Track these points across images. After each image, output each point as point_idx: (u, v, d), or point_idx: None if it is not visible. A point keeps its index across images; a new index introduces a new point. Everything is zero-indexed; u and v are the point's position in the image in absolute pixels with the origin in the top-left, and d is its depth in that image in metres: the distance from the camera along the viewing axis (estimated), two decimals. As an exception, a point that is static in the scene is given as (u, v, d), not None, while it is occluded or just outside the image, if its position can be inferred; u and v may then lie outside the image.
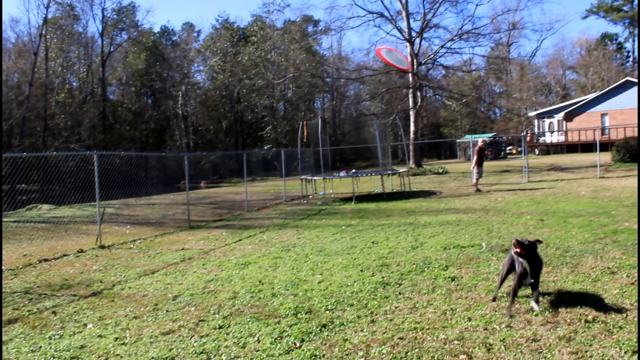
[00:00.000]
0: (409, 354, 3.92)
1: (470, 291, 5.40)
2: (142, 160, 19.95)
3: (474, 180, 17.11)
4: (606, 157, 23.99)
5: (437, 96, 50.33)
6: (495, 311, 4.74)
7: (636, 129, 27.34)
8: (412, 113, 33.57)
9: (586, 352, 3.79)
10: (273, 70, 51.55)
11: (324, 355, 3.99)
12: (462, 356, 3.82)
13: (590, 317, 4.41)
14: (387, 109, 50.33)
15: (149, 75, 56.39)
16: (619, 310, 4.56)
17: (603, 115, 41.12)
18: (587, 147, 36.65)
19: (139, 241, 10.56)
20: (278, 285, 6.09)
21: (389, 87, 44.23)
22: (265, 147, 50.53)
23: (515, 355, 3.80)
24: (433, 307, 4.96)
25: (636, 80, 39.92)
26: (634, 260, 6.13)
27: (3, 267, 8.04)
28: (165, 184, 25.94)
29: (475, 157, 17.02)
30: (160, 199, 19.68)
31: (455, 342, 4.09)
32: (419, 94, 33.15)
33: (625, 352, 3.73)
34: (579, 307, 4.69)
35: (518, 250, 4.73)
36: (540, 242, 4.96)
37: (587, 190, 14.90)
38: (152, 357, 4.18)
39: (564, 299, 4.94)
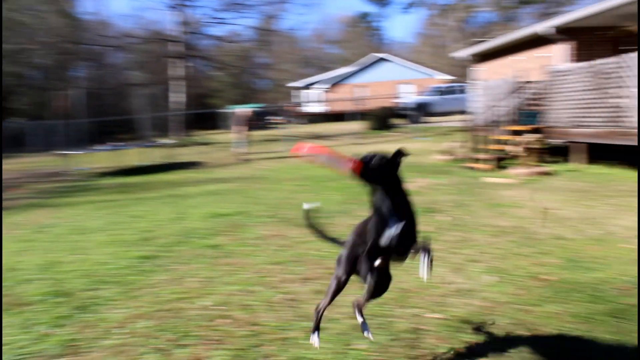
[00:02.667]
0: (170, 323, 3.90)
1: (233, 257, 5.55)
2: None
3: (239, 150, 17.49)
4: (361, 125, 26.29)
5: (204, 66, 49.94)
6: (256, 273, 4.94)
7: (388, 99, 30.39)
8: (177, 83, 32.89)
9: (335, 302, 4.16)
10: (23, 34, 46.06)
11: (80, 338, 3.77)
12: (222, 319, 3.92)
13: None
14: (152, 78, 48.50)
15: None
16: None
17: (359, 87, 44.87)
18: (345, 117, 39.77)
19: None
20: (29, 270, 5.56)
21: (154, 56, 42.63)
22: (16, 120, 45.26)
23: (272, 312, 4.01)
24: (196, 276, 4.99)
25: (385, 56, 44.53)
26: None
27: None
28: None
29: (240, 127, 17.37)
30: None
31: (216, 307, 4.18)
32: (185, 63, 32.57)
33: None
34: (328, 261, 5.12)
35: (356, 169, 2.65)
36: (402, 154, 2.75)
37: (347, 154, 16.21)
38: None
39: (316, 257, 5.34)
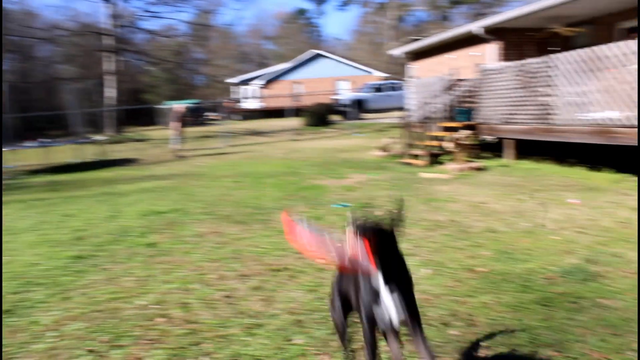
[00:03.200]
0: (104, 324, 3.81)
1: (169, 255, 5.46)
2: None
3: (175, 147, 17.18)
4: (298, 122, 26.32)
5: (138, 61, 48.68)
6: (194, 271, 4.89)
7: (325, 96, 30.55)
8: (110, 78, 31.94)
9: (273, 296, 4.17)
10: None
11: (9, 343, 3.62)
12: (160, 319, 3.86)
13: (276, 267, 4.87)
14: (83, 73, 46.86)
15: None
16: (300, 255, 5.12)
17: (296, 83, 44.87)
18: (282, 113, 39.75)
19: None
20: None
21: (86, 49, 41.18)
22: None
23: (211, 309, 3.98)
24: (131, 275, 4.88)
25: (322, 53, 44.75)
26: (317, 212, 6.93)
27: None
28: None
29: (176, 124, 17.06)
30: None
31: (153, 306, 4.11)
32: (118, 58, 31.65)
33: (306, 291, 4.22)
34: (266, 257, 5.13)
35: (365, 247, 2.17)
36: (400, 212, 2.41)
37: (281, 153, 16.23)
38: None
39: (255, 254, 5.34)
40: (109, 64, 32.16)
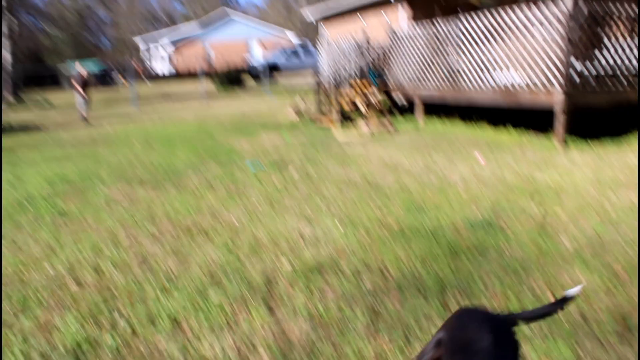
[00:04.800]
0: (12, 292, 3.67)
1: (79, 220, 5.30)
2: None
3: (82, 111, 16.43)
4: (211, 85, 25.81)
5: (36, 22, 45.74)
6: (105, 235, 4.78)
7: (238, 59, 30.08)
8: (5, 40, 29.82)
9: (188, 256, 4.17)
10: None
11: None
12: (71, 283, 3.77)
13: (190, 228, 4.86)
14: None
15: None
16: (215, 215, 5.13)
17: (208, 46, 43.80)
18: (193, 76, 38.78)
19: None
20: None
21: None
22: None
23: (124, 272, 3.93)
24: (39, 243, 4.71)
25: (235, 15, 43.79)
26: (231, 173, 6.92)
27: None
28: None
29: (80, 87, 16.28)
30: None
31: (65, 271, 4.00)
32: (13, 18, 29.55)
33: (221, 250, 4.26)
34: (181, 219, 5.10)
35: None
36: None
37: (193, 116, 15.90)
38: None
39: (168, 215, 5.28)
40: (3, 25, 29.98)
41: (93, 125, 15.21)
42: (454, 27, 10.59)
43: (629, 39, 8.59)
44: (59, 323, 3.20)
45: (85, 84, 16.34)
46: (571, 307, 3.21)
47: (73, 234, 4.90)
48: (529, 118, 9.56)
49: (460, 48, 10.42)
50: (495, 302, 3.32)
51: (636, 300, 3.29)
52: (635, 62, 8.54)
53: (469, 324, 1.87)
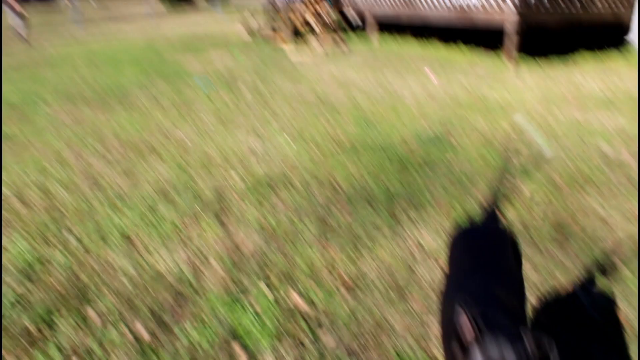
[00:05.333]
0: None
1: (25, 145, 5.10)
2: None
3: (20, 32, 15.54)
4: (159, 5, 24.74)
5: None
6: (51, 155, 4.66)
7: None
8: None
9: (137, 173, 4.12)
10: None
11: None
12: (19, 206, 3.69)
13: (138, 145, 4.77)
14: None
15: None
16: (165, 134, 5.05)
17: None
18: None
19: None
20: None
21: None
22: None
23: (71, 190, 3.87)
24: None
25: None
26: (180, 91, 6.76)
27: None
28: None
29: (15, 3, 15.32)
30: None
31: (8, 192, 3.90)
32: None
33: (170, 167, 4.21)
34: (128, 136, 5.00)
35: None
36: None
37: (141, 36, 15.28)
38: None
39: (115, 133, 5.16)
40: None
41: (33, 47, 14.46)
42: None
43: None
44: (7, 244, 3.15)
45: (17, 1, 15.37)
46: (513, 216, 3.36)
47: (18, 156, 4.75)
48: (481, 37, 9.57)
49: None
50: (441, 211, 3.43)
51: (573, 210, 3.46)
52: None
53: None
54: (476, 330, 1.28)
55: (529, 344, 1.25)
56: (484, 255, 1.80)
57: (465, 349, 1.30)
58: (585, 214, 3.40)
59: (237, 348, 2.28)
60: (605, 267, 2.82)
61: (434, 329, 2.41)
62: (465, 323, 1.29)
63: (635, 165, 4.12)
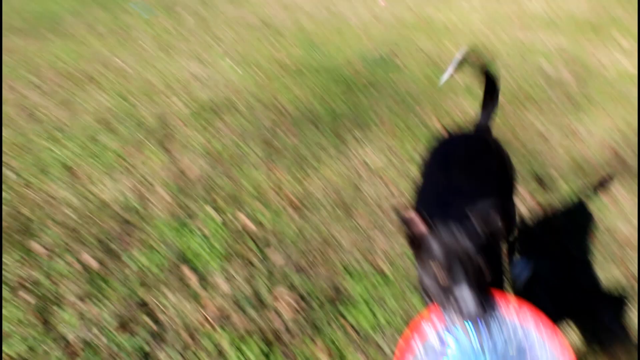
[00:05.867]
0: None
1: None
2: None
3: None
4: None
5: None
6: None
7: None
8: None
9: (75, 103, 3.98)
10: None
11: None
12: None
13: (76, 74, 4.59)
14: None
15: None
16: (104, 63, 4.86)
17: None
18: None
19: None
20: None
21: None
22: None
23: (8, 128, 3.72)
24: None
25: None
26: (118, 18, 6.46)
27: None
28: None
29: None
30: None
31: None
32: None
33: (110, 96, 4.08)
34: (64, 65, 4.79)
35: None
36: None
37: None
38: None
39: (50, 63, 4.94)
40: None
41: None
42: None
43: None
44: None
45: None
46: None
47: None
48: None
49: None
50: (386, 130, 3.47)
51: (513, 126, 3.55)
52: None
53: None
54: (426, 222, 1.34)
55: (476, 221, 1.33)
56: (455, 167, 1.81)
57: (417, 244, 1.36)
58: (525, 130, 3.51)
59: (186, 271, 2.31)
60: (543, 180, 2.94)
61: (380, 243, 2.49)
62: (413, 218, 1.35)
63: (574, 83, 4.25)
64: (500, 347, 1.25)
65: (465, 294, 1.23)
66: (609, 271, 2.29)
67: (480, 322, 1.24)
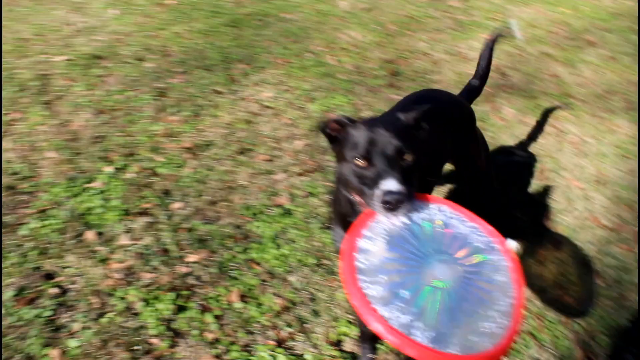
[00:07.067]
0: None
1: None
2: None
3: None
4: None
5: None
6: None
7: None
8: None
9: None
10: None
11: None
12: None
13: None
14: None
15: None
16: None
17: None
18: None
19: None
20: None
21: None
22: None
23: None
24: None
25: None
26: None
27: None
28: None
29: None
30: None
31: None
32: None
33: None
34: None
35: None
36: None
37: None
38: None
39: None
40: None
41: None
42: None
43: None
44: None
45: None
46: (347, 64, 3.47)
47: None
48: None
49: None
50: (279, 67, 3.45)
51: (401, 50, 3.63)
52: None
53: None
54: (349, 120, 1.34)
55: (403, 116, 1.36)
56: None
57: (338, 139, 1.36)
58: (413, 53, 3.61)
59: (88, 233, 2.25)
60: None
61: (279, 179, 2.53)
62: (334, 119, 1.36)
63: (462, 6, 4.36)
64: (428, 228, 1.23)
65: (385, 175, 1.20)
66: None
67: (403, 203, 1.18)
